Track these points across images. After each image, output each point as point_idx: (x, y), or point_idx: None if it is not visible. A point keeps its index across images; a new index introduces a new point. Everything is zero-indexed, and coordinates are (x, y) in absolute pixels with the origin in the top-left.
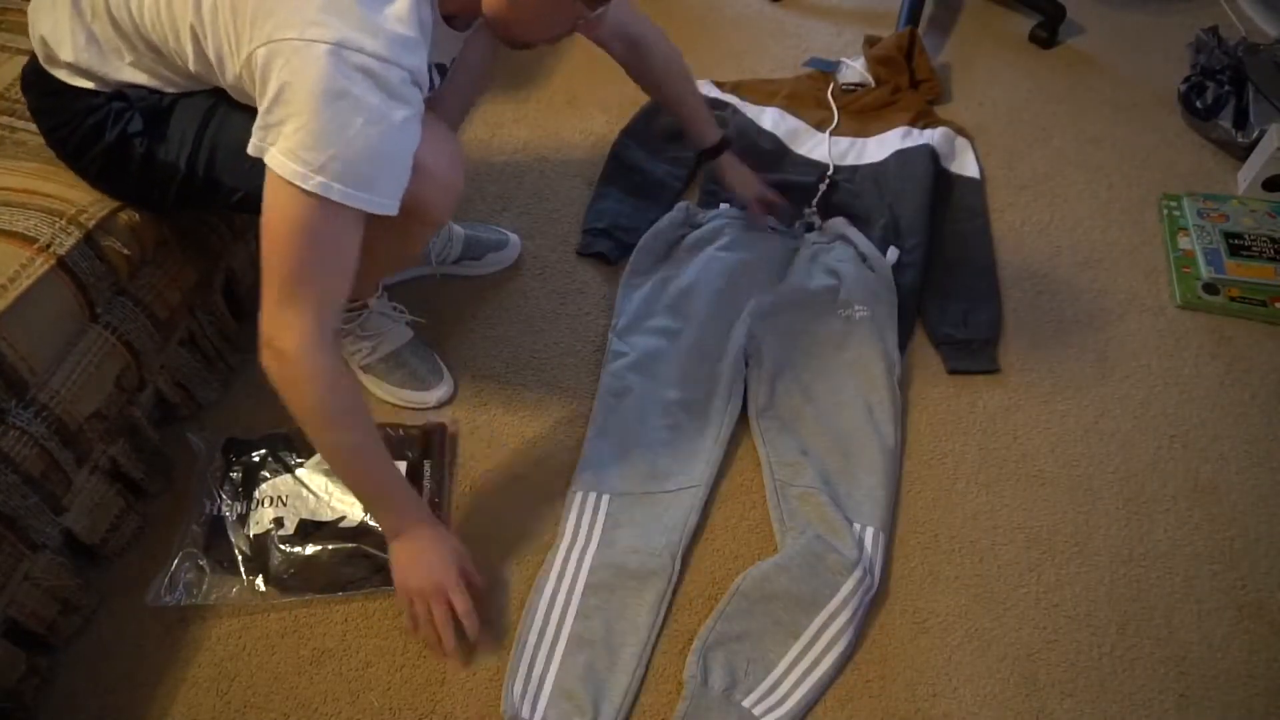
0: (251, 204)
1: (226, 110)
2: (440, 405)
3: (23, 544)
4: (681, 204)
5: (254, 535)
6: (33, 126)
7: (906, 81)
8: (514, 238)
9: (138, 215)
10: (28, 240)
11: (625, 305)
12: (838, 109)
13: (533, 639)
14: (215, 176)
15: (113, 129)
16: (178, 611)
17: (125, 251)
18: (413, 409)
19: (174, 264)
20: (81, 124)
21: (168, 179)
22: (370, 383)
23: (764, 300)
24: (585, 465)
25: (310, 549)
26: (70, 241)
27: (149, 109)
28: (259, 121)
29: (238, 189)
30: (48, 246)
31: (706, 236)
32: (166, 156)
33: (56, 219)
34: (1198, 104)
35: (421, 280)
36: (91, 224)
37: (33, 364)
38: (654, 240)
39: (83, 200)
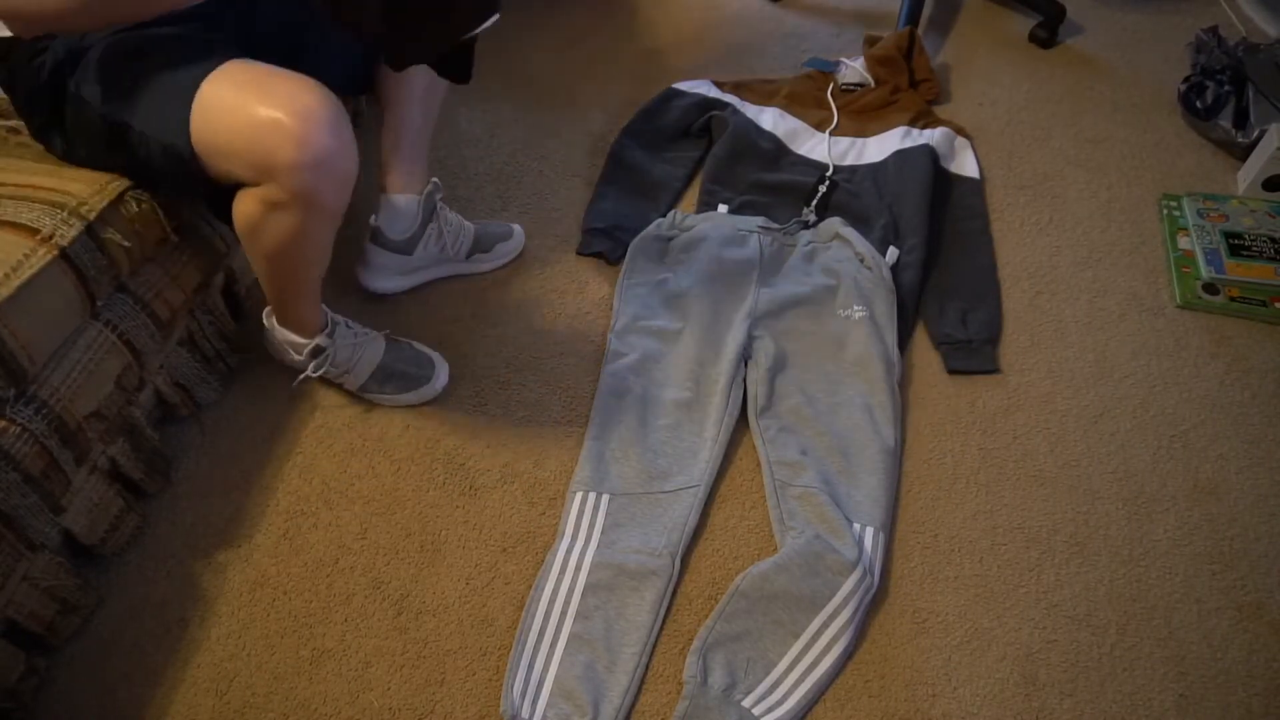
0: (152, 164)
1: (139, 40)
2: (444, 387)
3: (22, 544)
4: (671, 212)
5: None
6: None
7: (906, 81)
8: (517, 228)
9: (138, 209)
10: (30, 231)
11: (624, 306)
12: (837, 109)
13: (532, 639)
14: (124, 119)
15: (47, 68)
16: (178, 610)
17: (125, 244)
18: (418, 405)
19: (176, 264)
20: (28, 74)
21: (90, 123)
22: (372, 399)
23: (763, 300)
24: (585, 465)
25: None
26: (72, 233)
27: (70, 45)
28: None
29: (145, 136)
30: (50, 237)
31: (699, 237)
32: (88, 95)
33: (58, 211)
34: (1198, 104)
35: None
36: (93, 216)
37: (32, 353)
38: (644, 244)
39: (84, 193)
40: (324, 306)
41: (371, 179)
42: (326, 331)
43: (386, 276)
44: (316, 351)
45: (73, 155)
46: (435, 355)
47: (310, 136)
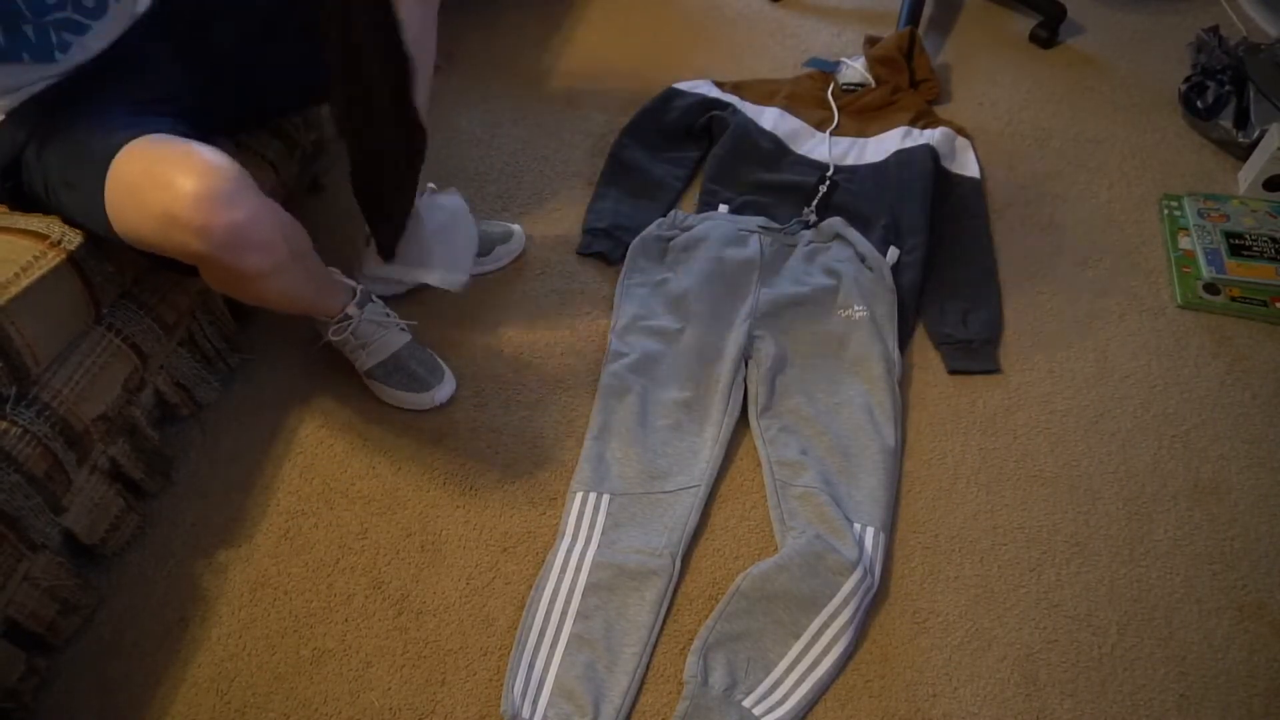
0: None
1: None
2: (442, 405)
3: (23, 544)
4: (671, 212)
5: None
6: None
7: (906, 81)
8: (516, 228)
9: None
10: (39, 236)
11: (624, 306)
12: (838, 109)
13: (533, 639)
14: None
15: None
16: (179, 610)
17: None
18: (416, 410)
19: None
20: None
21: (40, 185)
22: (373, 388)
23: (763, 300)
24: (585, 465)
25: None
26: (79, 239)
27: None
28: None
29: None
30: (59, 242)
31: (700, 237)
32: (34, 161)
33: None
34: (1198, 104)
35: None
36: None
37: (36, 353)
38: (645, 244)
39: None
40: (351, 282)
41: None
42: (356, 301)
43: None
44: (341, 320)
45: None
46: (448, 371)
47: (209, 223)
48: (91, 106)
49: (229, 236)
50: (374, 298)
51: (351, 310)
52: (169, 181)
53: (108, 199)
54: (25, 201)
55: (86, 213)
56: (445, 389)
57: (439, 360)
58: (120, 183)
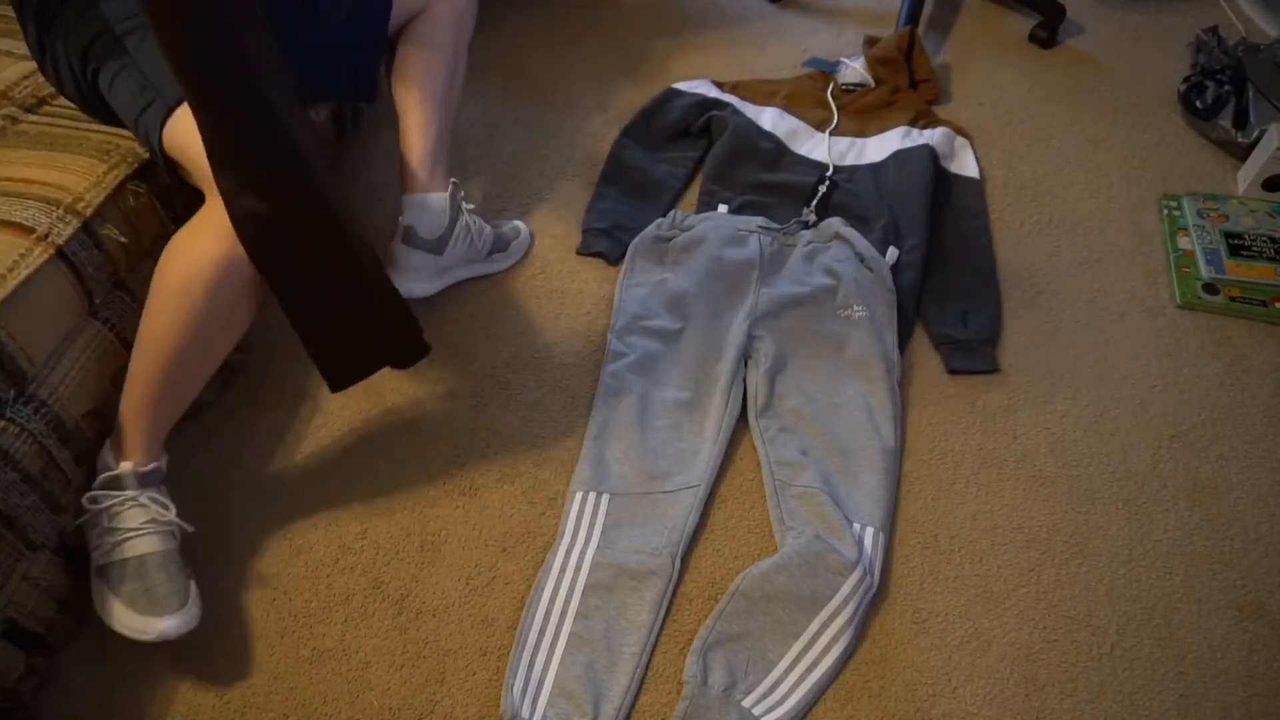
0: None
1: None
2: (165, 639)
3: (21, 543)
4: (671, 212)
5: None
6: (34, 116)
7: (906, 81)
8: (522, 225)
9: (135, 202)
10: (26, 230)
11: (624, 306)
12: (837, 109)
13: (533, 638)
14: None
15: None
16: None
17: (123, 240)
18: (129, 638)
19: None
20: None
21: (88, 36)
22: (96, 589)
23: (763, 300)
24: (585, 465)
25: None
26: (68, 231)
27: None
28: None
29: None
30: (46, 236)
31: (699, 237)
32: (106, 11)
33: (54, 208)
34: (1198, 104)
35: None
36: (89, 212)
37: (31, 354)
38: (644, 244)
39: (80, 188)
40: (164, 460)
41: (393, 182)
42: (139, 474)
43: (418, 278)
44: (110, 483)
45: (53, 64)
46: (195, 602)
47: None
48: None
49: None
50: (162, 483)
51: (128, 478)
52: None
53: (173, 123)
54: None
55: (134, 109)
56: (175, 620)
57: (192, 585)
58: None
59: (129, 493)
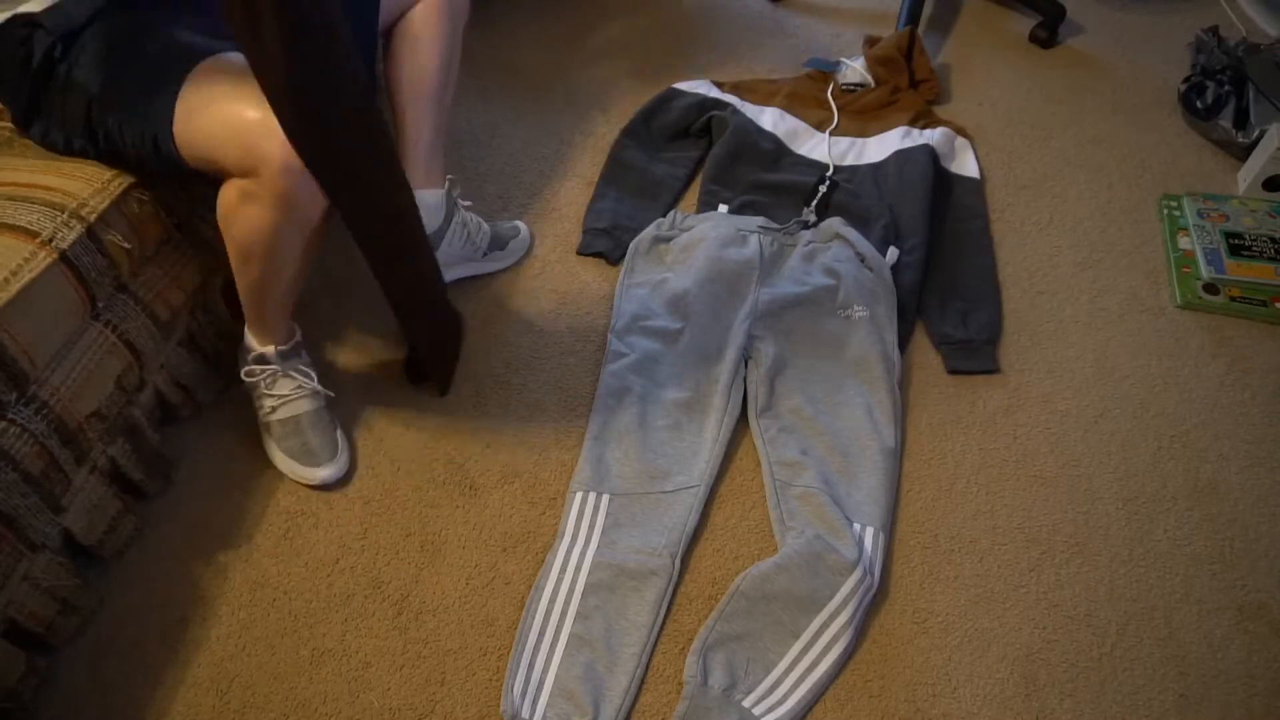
0: (144, 154)
1: (134, 25)
2: (326, 485)
3: (22, 544)
4: (671, 212)
5: None
6: None
7: (906, 81)
8: (522, 225)
9: (139, 208)
10: (30, 234)
11: (624, 306)
12: (838, 109)
13: (533, 638)
14: (109, 108)
15: (38, 54)
16: (178, 610)
17: (126, 245)
18: (298, 482)
19: (176, 263)
20: (14, 60)
21: (75, 107)
22: (265, 442)
23: (763, 300)
24: (585, 465)
25: None
26: (72, 236)
27: (65, 29)
28: None
29: (130, 131)
30: (50, 240)
31: (699, 237)
32: (81, 78)
33: (58, 213)
34: (1198, 104)
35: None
36: (93, 217)
37: (34, 357)
38: (644, 244)
39: (84, 193)
40: (297, 330)
41: None
42: (285, 350)
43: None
44: (259, 359)
45: (51, 140)
46: (346, 451)
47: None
48: (168, 18)
49: (302, 162)
50: (303, 353)
51: (271, 355)
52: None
53: (184, 98)
54: (28, 87)
55: (140, 107)
56: (330, 470)
57: (341, 438)
58: (213, 82)
59: (273, 366)
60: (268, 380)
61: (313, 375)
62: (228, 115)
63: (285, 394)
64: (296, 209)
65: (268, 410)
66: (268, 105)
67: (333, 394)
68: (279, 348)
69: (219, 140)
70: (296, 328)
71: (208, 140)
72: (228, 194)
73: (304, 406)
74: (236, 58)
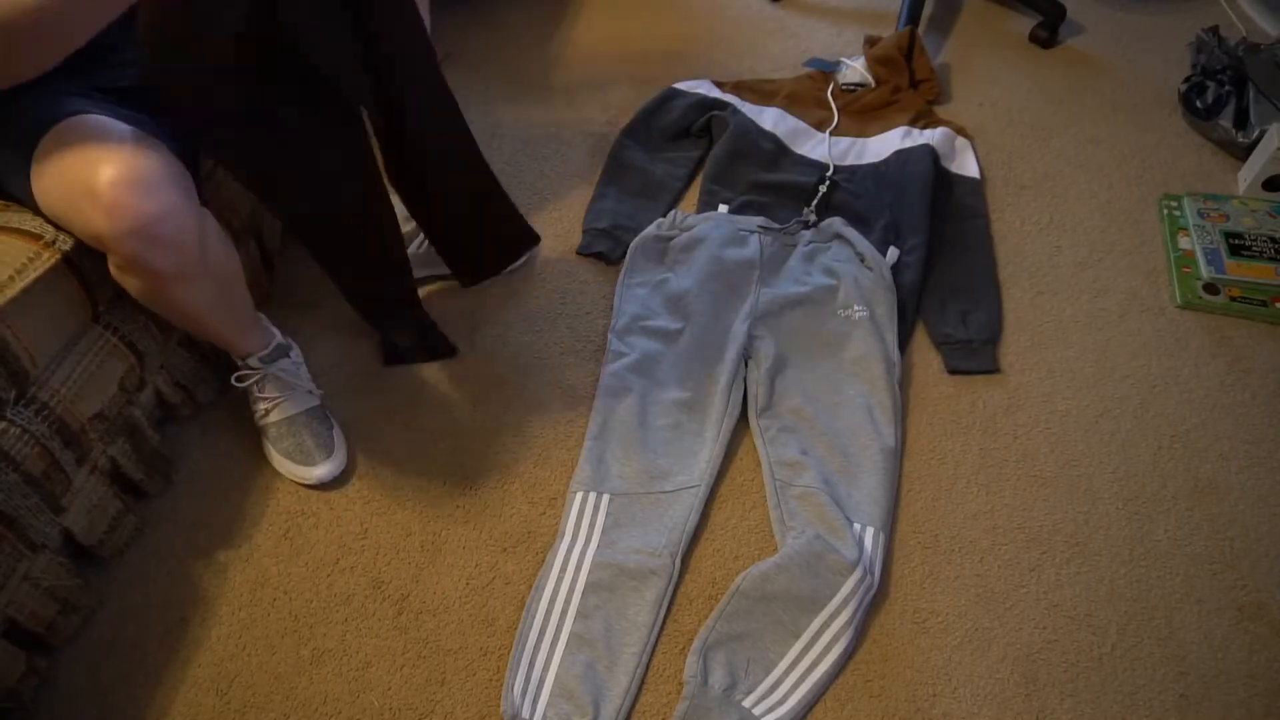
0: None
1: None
2: (324, 484)
3: (22, 544)
4: (671, 212)
5: None
6: None
7: (906, 81)
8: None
9: None
10: (33, 236)
11: (624, 306)
12: (838, 109)
13: (533, 638)
14: None
15: None
16: (179, 610)
17: None
18: (296, 482)
19: None
20: None
21: None
22: (264, 444)
23: (763, 300)
24: (585, 465)
25: None
26: (72, 240)
27: None
28: None
29: None
30: (53, 243)
31: (699, 237)
32: None
33: None
34: (1198, 104)
35: (421, 281)
36: None
37: (34, 355)
38: (645, 244)
39: None
40: (276, 333)
41: None
42: (266, 355)
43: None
44: (246, 366)
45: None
46: (341, 448)
47: (121, 204)
48: (50, 82)
49: (138, 224)
50: (290, 354)
51: (254, 362)
52: (97, 158)
53: (35, 173)
54: None
55: (13, 171)
56: (326, 468)
57: (338, 436)
58: (52, 154)
59: (259, 370)
60: (258, 384)
61: (304, 375)
62: (65, 188)
63: (276, 396)
64: (158, 264)
65: (262, 413)
66: (94, 174)
67: (323, 392)
68: (259, 355)
69: (64, 217)
70: (275, 332)
71: (55, 214)
72: (111, 268)
73: (297, 407)
74: (79, 122)
